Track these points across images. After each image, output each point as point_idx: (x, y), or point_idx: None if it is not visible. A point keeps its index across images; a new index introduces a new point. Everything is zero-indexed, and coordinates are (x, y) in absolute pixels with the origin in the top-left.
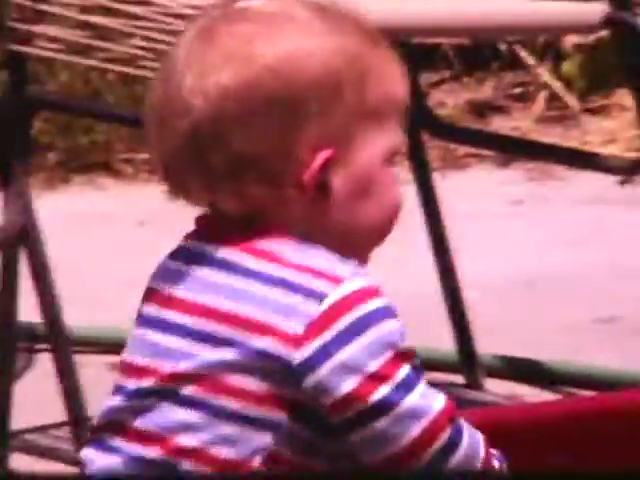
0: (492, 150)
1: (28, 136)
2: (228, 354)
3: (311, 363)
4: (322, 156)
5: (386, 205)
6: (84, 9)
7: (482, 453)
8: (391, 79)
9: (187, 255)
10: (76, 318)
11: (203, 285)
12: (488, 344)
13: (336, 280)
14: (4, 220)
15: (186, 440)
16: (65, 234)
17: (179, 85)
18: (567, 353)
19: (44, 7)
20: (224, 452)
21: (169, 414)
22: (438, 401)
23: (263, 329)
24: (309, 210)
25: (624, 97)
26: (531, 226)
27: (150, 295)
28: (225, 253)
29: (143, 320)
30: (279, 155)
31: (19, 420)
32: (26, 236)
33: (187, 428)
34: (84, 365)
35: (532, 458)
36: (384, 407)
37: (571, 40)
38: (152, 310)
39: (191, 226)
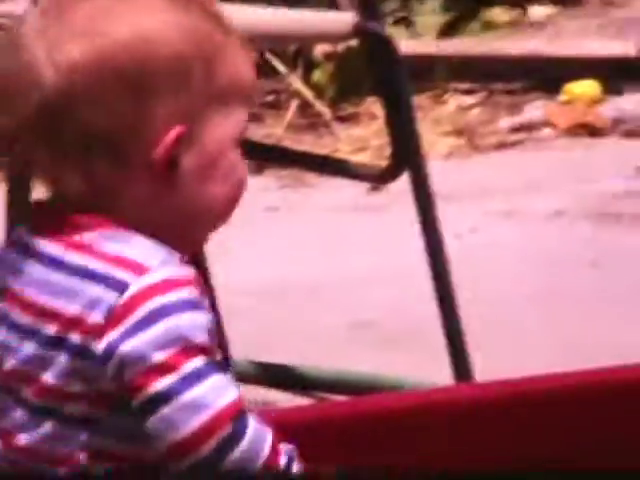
0: (245, 157)
1: None
2: (43, 350)
3: (108, 353)
4: (173, 133)
5: (232, 186)
6: None
7: (266, 450)
8: (239, 64)
9: (19, 245)
10: None
11: (27, 278)
12: (242, 350)
13: (141, 270)
14: None
15: (20, 438)
16: None
17: (29, 60)
18: (321, 359)
19: None
20: (49, 450)
21: (9, 412)
22: (226, 397)
23: (72, 322)
24: (155, 190)
25: (374, 105)
26: (287, 233)
27: None
28: (45, 245)
29: None
30: (128, 132)
31: None
32: None
33: (20, 427)
34: None
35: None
36: (164, 397)
37: (322, 49)
38: None
39: None
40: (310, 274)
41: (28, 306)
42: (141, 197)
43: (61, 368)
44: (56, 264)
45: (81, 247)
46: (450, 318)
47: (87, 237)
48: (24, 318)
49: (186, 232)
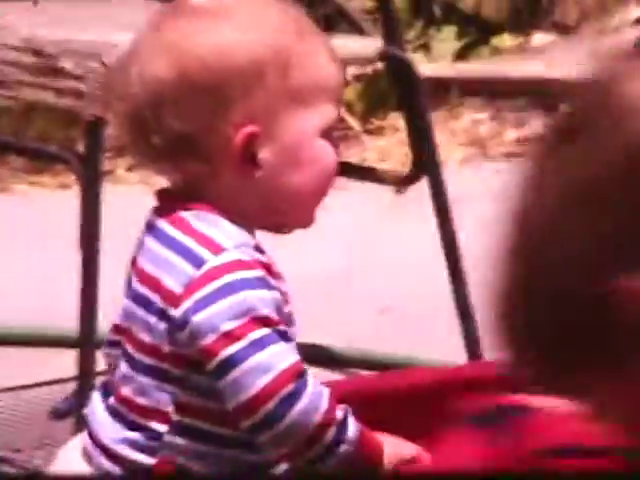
0: None
1: None
2: (145, 312)
3: (183, 321)
4: (244, 132)
5: (317, 173)
6: None
7: (324, 405)
8: (321, 66)
9: (146, 224)
10: None
11: (145, 251)
12: None
13: (217, 250)
14: None
15: (122, 389)
16: None
17: (128, 71)
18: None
19: None
20: (143, 401)
21: (119, 366)
22: (286, 360)
23: (158, 288)
24: (240, 181)
25: (397, 120)
26: (323, 229)
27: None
28: (158, 222)
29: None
30: (209, 133)
31: None
32: None
33: (124, 379)
34: None
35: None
36: (233, 362)
37: (352, 71)
38: (129, 278)
39: None
40: (335, 268)
41: (141, 274)
42: (228, 187)
43: (153, 329)
44: (161, 238)
45: (179, 223)
46: (463, 302)
47: (184, 215)
48: (139, 286)
49: (277, 217)
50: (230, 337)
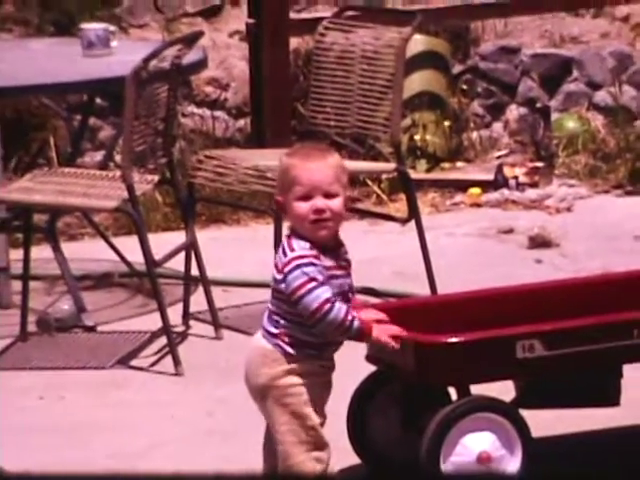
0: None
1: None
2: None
3: (282, 280)
4: (277, 199)
5: (297, 216)
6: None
7: (342, 315)
8: (298, 175)
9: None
10: None
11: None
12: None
13: (292, 250)
14: None
15: (264, 323)
16: None
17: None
18: None
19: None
20: (266, 329)
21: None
22: (325, 294)
23: (276, 268)
24: (288, 217)
25: (402, 196)
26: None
27: None
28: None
29: None
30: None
31: None
32: None
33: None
34: None
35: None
36: (301, 298)
37: (384, 176)
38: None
39: None
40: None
41: (275, 264)
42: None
43: (275, 286)
44: (281, 246)
45: (287, 240)
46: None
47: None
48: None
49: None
50: (299, 287)
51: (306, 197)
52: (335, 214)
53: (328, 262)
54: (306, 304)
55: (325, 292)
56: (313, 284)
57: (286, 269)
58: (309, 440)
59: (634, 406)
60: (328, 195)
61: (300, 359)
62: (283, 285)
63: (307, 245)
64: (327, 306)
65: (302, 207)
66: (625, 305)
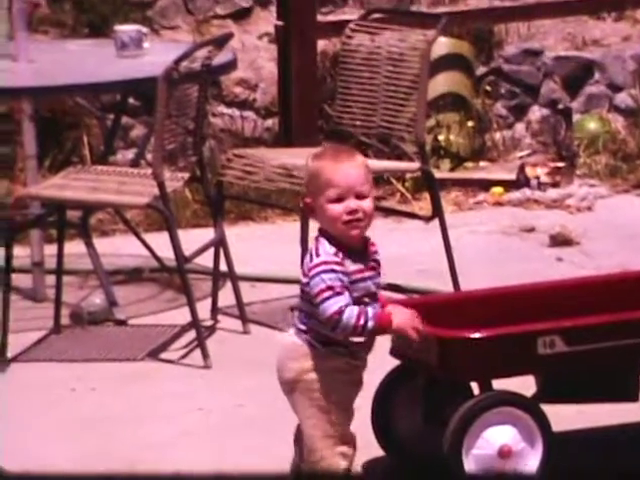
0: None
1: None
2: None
3: (307, 284)
4: (305, 202)
5: (330, 218)
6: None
7: (355, 317)
8: (331, 177)
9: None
10: None
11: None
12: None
13: (318, 256)
14: None
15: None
16: None
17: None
18: None
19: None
20: (307, 326)
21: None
22: (337, 305)
23: (302, 270)
24: (319, 222)
25: (427, 195)
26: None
27: None
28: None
29: None
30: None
31: None
32: None
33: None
34: None
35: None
36: (318, 305)
37: (408, 175)
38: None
39: None
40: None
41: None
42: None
43: (304, 288)
44: (310, 250)
45: (315, 243)
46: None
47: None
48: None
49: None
50: (320, 292)
51: (339, 199)
52: (367, 214)
53: (353, 266)
54: (321, 311)
55: (338, 302)
56: (329, 293)
57: (310, 274)
58: (335, 435)
59: None
60: (360, 196)
61: (327, 355)
62: (307, 288)
63: (332, 250)
64: (336, 317)
65: (336, 209)
66: None
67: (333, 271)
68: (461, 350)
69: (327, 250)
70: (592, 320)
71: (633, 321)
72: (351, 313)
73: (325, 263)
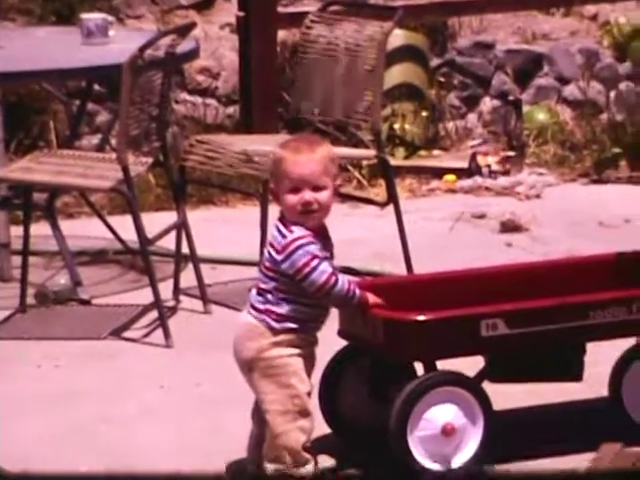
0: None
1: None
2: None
3: (280, 263)
4: (271, 187)
5: (287, 206)
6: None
7: (346, 286)
8: (288, 169)
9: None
10: None
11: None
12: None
13: (291, 232)
14: None
15: (259, 284)
16: None
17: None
18: None
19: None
20: (264, 286)
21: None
22: (329, 269)
23: (275, 249)
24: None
25: (382, 182)
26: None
27: None
28: (278, 224)
29: None
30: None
31: None
32: None
33: (259, 280)
34: None
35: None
36: (308, 276)
37: (365, 163)
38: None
39: None
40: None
41: (270, 245)
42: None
43: (270, 265)
44: (277, 228)
45: (282, 223)
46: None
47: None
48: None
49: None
50: (304, 266)
51: (295, 190)
52: (322, 206)
53: (320, 245)
54: (313, 280)
55: (328, 267)
56: (317, 261)
57: (288, 250)
58: (294, 410)
59: (596, 381)
60: (316, 188)
61: (283, 332)
62: (285, 265)
63: (302, 227)
64: (333, 279)
65: (292, 199)
66: (588, 287)
67: (312, 243)
68: (407, 331)
69: (299, 227)
70: (532, 304)
71: (573, 305)
72: (343, 279)
73: (302, 237)
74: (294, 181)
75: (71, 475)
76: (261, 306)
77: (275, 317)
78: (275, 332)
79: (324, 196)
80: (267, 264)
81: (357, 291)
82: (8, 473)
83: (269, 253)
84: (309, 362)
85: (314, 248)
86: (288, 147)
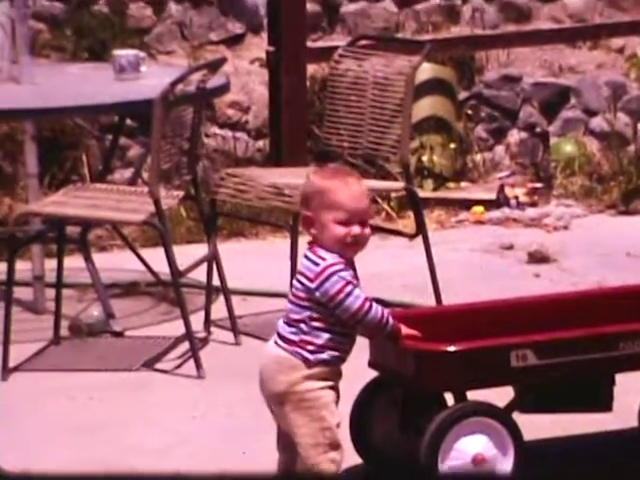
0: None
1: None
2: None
3: (314, 290)
4: (307, 215)
5: (334, 237)
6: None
7: (380, 313)
8: (343, 201)
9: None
10: None
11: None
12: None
13: (323, 259)
14: None
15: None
16: None
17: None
18: None
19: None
20: (295, 316)
21: (289, 306)
22: (362, 297)
23: (306, 278)
24: (317, 235)
25: (410, 213)
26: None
27: None
28: (307, 252)
29: None
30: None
31: None
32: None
33: (289, 310)
34: None
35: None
36: (343, 301)
37: (394, 195)
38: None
39: None
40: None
41: (301, 274)
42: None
43: (302, 294)
44: (307, 257)
45: (312, 251)
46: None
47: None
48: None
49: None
50: (338, 292)
51: (347, 222)
52: (366, 239)
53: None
54: (348, 305)
55: (362, 293)
56: (351, 287)
57: (321, 277)
58: (325, 442)
59: (626, 412)
60: (363, 222)
61: (316, 365)
62: (318, 293)
63: (335, 254)
64: (367, 304)
65: (340, 230)
66: (617, 318)
67: (345, 270)
68: (437, 362)
69: (331, 254)
70: (561, 335)
71: (602, 335)
72: (376, 306)
73: (335, 264)
74: (350, 213)
75: (71, 475)
76: (294, 337)
77: (311, 348)
78: (308, 365)
79: (368, 230)
80: (300, 294)
81: (390, 318)
82: (8, 473)
83: (300, 282)
84: (336, 394)
85: (347, 274)
86: (335, 177)
